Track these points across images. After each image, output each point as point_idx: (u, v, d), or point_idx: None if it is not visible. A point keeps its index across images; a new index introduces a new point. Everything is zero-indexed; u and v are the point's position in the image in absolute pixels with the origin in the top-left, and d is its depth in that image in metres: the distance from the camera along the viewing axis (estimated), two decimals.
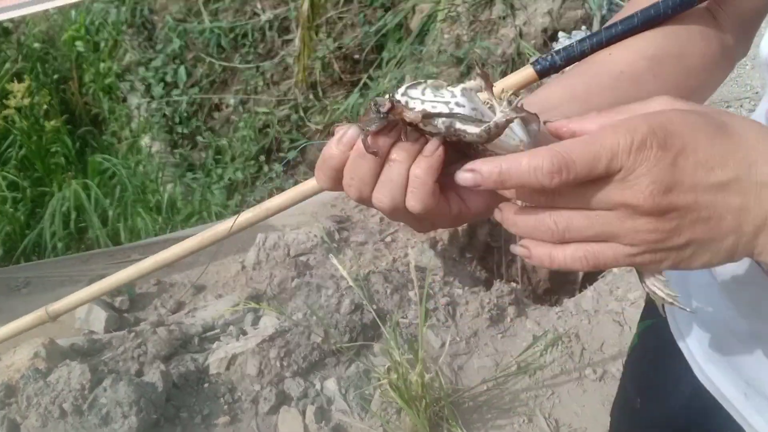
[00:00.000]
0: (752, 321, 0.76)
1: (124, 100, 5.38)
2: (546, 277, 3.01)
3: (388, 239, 2.83)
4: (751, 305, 0.75)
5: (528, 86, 0.88)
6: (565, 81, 0.73)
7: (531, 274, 3.05)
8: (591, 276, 2.88)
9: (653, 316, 1.03)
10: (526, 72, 0.85)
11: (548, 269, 2.98)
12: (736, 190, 0.48)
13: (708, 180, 0.47)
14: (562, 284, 3.07)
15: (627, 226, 0.49)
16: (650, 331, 1.03)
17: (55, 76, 5.49)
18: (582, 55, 0.77)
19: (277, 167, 4.78)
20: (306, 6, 4.02)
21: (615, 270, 2.67)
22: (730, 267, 0.79)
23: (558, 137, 0.54)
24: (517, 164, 0.48)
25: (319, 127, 4.77)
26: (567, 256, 0.51)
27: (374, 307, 2.34)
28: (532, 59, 0.92)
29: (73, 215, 4.14)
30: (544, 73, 0.80)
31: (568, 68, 0.78)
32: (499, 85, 0.93)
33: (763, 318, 0.74)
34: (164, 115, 5.15)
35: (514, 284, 2.62)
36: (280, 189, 4.55)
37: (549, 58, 0.79)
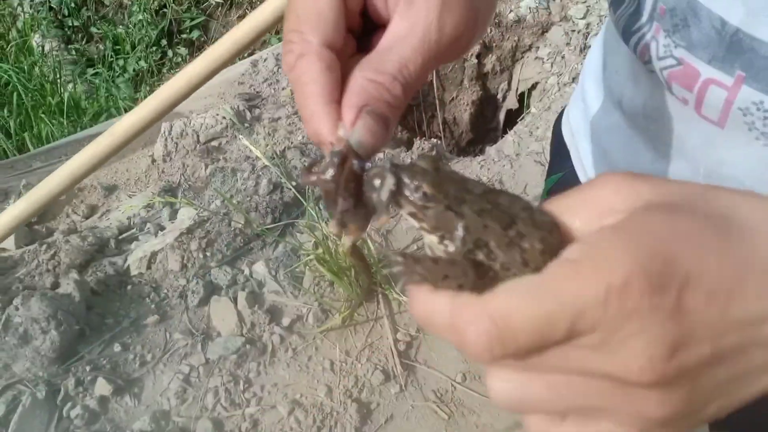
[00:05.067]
0: (673, 161, 0.71)
1: None
2: (468, 128, 2.96)
3: None
4: (672, 144, 0.70)
5: None
6: None
7: (453, 127, 2.99)
8: (511, 120, 2.84)
9: (562, 169, 0.99)
10: None
11: (469, 121, 2.93)
12: (765, 317, 0.33)
13: (728, 315, 0.33)
14: (485, 133, 3.03)
15: (617, 402, 0.34)
16: (560, 184, 0.98)
17: None
18: None
19: (183, 50, 4.49)
20: None
21: (533, 110, 2.63)
22: (642, 104, 0.72)
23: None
24: (440, 320, 0.37)
25: (220, 0, 4.45)
26: None
27: (293, 183, 2.26)
28: None
29: None
30: None
31: None
32: None
33: (685, 156, 0.69)
34: (51, 9, 4.73)
35: (435, 140, 2.56)
36: None
37: None
